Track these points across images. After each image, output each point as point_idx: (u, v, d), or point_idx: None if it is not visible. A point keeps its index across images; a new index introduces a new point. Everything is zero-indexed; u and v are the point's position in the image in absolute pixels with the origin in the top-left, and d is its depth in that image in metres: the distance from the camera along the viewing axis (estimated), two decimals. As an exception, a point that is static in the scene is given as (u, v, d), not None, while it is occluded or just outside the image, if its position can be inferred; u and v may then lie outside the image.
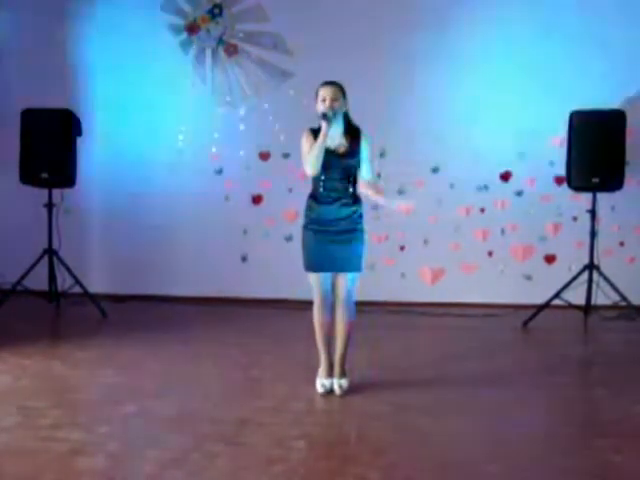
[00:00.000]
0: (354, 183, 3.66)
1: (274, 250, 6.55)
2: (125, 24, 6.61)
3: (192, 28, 6.70)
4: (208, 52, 6.70)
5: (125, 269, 6.71)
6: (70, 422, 3.16)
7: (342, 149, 3.63)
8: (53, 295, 5.97)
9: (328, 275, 3.68)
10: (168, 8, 6.66)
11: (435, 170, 6.48)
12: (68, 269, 5.86)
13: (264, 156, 6.65)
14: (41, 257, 5.89)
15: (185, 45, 6.71)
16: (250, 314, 6.16)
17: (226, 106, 6.69)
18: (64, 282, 5.95)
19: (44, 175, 5.78)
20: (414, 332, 5.52)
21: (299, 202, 6.62)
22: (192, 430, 3.09)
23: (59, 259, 5.90)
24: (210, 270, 6.62)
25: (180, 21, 6.69)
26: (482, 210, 6.45)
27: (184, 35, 6.70)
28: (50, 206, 5.90)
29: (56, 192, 5.96)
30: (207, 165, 6.68)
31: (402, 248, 6.51)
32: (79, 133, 5.99)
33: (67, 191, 6.03)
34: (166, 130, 6.72)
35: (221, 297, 6.55)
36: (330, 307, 3.73)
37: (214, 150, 6.70)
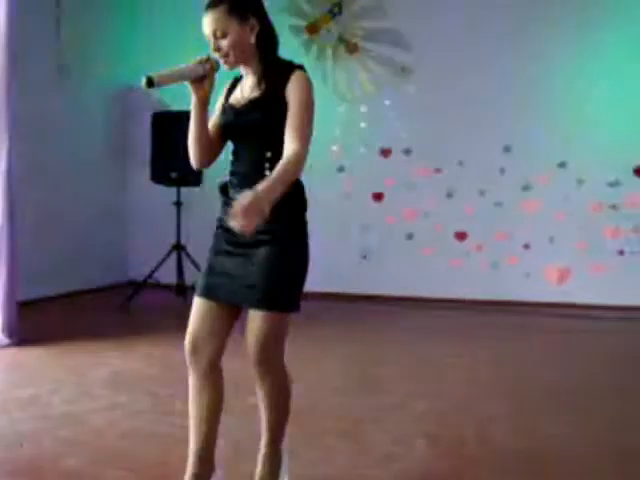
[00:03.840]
0: (273, 156, 2.04)
1: (395, 248, 6.53)
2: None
3: (313, 28, 6.79)
4: (329, 51, 6.77)
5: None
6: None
7: (248, 102, 2.11)
8: (180, 288, 6.24)
9: (215, 307, 2.12)
10: (289, 10, 6.79)
11: (562, 165, 6.21)
12: (195, 264, 6.10)
13: (385, 153, 6.63)
14: (170, 252, 6.19)
15: (306, 46, 6.81)
16: (370, 311, 6.17)
17: (347, 104, 6.73)
18: (191, 276, 6.20)
19: (173, 174, 6.07)
20: (545, 335, 5.30)
21: (421, 199, 6.67)
22: (313, 424, 3.13)
23: (187, 254, 6.16)
24: (330, 267, 6.68)
25: (301, 22, 6.80)
26: (613, 207, 6.10)
27: (305, 36, 6.81)
28: (179, 204, 6.18)
29: (184, 190, 6.24)
30: (328, 163, 6.74)
31: (526, 246, 6.29)
32: (206, 134, 6.23)
33: (194, 189, 6.29)
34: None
35: (341, 294, 6.60)
36: (208, 370, 2.14)
37: (335, 148, 6.76)
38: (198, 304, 2.14)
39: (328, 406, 3.44)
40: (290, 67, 2.10)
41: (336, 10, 6.71)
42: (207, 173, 6.24)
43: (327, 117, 6.76)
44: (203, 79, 2.09)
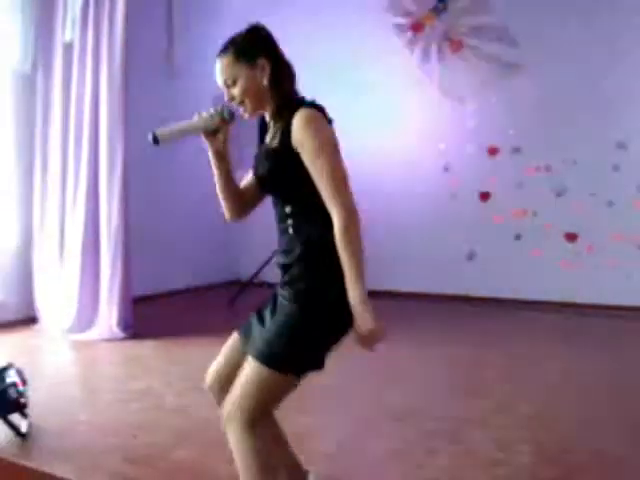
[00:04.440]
0: (294, 211, 1.90)
1: (502, 249, 6.37)
2: (349, 27, 6.81)
3: (417, 26, 6.74)
4: (433, 49, 6.69)
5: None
6: (297, 407, 3.35)
7: (264, 151, 1.99)
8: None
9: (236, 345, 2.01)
10: (393, 8, 6.76)
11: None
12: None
13: (492, 151, 6.49)
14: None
15: (410, 44, 6.76)
16: (475, 313, 6.05)
17: (452, 102, 6.63)
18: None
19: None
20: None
21: (529, 199, 6.47)
22: (416, 425, 3.11)
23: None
24: (434, 268, 6.61)
25: (405, 20, 6.76)
26: None
27: (409, 34, 6.76)
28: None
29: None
30: (433, 162, 6.67)
31: (642, 248, 5.97)
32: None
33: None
34: (390, 129, 6.81)
35: (445, 295, 6.52)
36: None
37: (441, 147, 6.67)
38: (231, 338, 2.04)
39: (430, 407, 3.40)
40: (295, 108, 1.85)
41: (441, 7, 6.62)
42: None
43: (432, 116, 6.70)
44: (216, 132, 1.95)
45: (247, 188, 2.06)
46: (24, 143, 5.32)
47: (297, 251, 1.86)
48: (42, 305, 5.31)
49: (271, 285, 1.83)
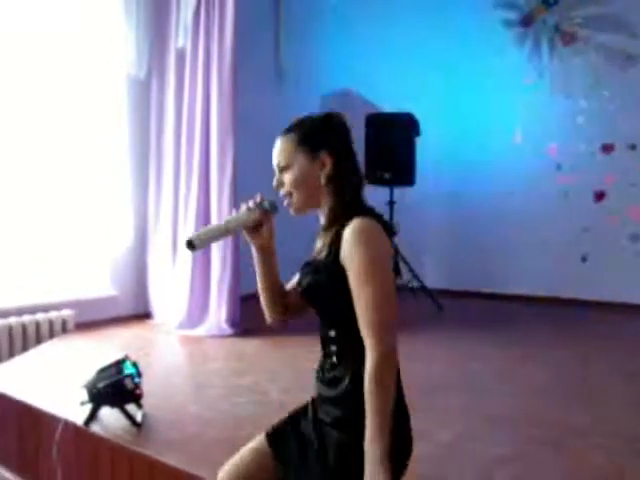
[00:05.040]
0: (339, 337, 1.62)
1: (617, 250, 6.08)
2: (457, 23, 6.70)
3: (527, 20, 6.54)
4: (544, 43, 6.47)
5: (460, 265, 6.84)
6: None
7: (312, 260, 1.73)
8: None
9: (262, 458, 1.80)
10: (501, 3, 6.60)
11: None
12: (406, 263, 6.15)
13: (607, 149, 6.20)
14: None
15: (520, 39, 6.57)
16: (588, 317, 5.80)
17: (565, 98, 6.39)
18: (403, 275, 6.25)
19: (387, 175, 6.14)
20: None
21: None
22: (520, 431, 3.02)
23: (398, 253, 6.23)
24: (547, 270, 6.40)
25: (514, 15, 6.58)
26: None
27: (519, 29, 6.57)
28: (392, 204, 6.24)
29: (397, 190, 6.30)
30: (545, 161, 6.46)
31: None
32: (418, 133, 6.25)
33: (406, 189, 6.33)
34: (500, 127, 6.66)
35: (557, 298, 6.29)
36: None
37: (552, 145, 6.45)
38: (257, 441, 1.83)
39: (538, 413, 3.29)
40: (349, 217, 1.57)
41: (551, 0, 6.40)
42: (419, 173, 6.30)
43: (543, 113, 6.49)
44: (259, 226, 1.75)
45: (293, 291, 1.82)
46: (139, 147, 5.58)
47: (343, 386, 1.55)
48: (155, 301, 5.55)
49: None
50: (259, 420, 3.08)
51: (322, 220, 1.70)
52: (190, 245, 1.65)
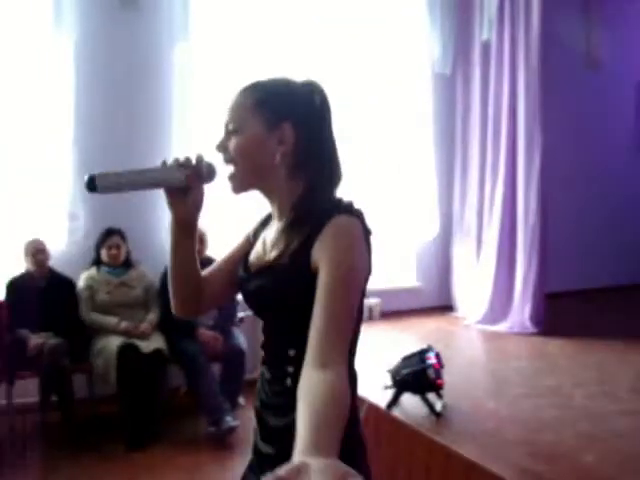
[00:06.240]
0: (299, 356, 1.18)
1: None
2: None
3: None
4: None
5: None
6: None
7: (265, 262, 1.34)
8: None
9: None
10: None
11: None
12: None
13: None
14: None
15: None
16: None
17: None
18: None
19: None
20: None
21: None
22: None
23: None
24: None
25: None
26: None
27: None
28: None
29: None
30: None
31: None
32: None
33: None
34: None
35: None
36: None
37: None
38: None
39: None
40: (329, 212, 1.24)
41: None
42: None
43: None
44: (185, 191, 1.33)
45: (212, 279, 1.46)
46: (444, 142, 5.67)
47: (294, 415, 1.04)
48: (458, 295, 5.62)
49: None
50: (562, 426, 2.97)
51: (273, 210, 1.38)
52: (91, 184, 1.24)
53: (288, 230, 1.29)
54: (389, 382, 3.13)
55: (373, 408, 3.14)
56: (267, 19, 4.80)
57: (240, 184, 1.34)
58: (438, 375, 3.06)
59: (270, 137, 1.30)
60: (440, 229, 5.69)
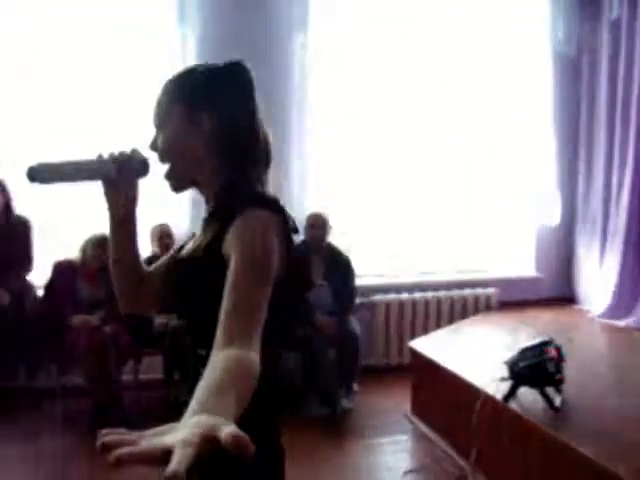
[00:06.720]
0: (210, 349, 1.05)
1: None
2: None
3: None
4: None
5: None
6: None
7: (186, 253, 1.34)
8: None
9: None
10: None
11: None
12: None
13: None
14: None
15: None
16: None
17: None
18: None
19: None
20: None
21: None
22: None
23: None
24: None
25: None
26: None
27: None
28: None
29: None
30: None
31: None
32: None
33: None
34: None
35: None
36: None
37: None
38: None
39: None
40: (242, 206, 1.20)
41: None
42: None
43: None
44: (117, 183, 1.29)
45: (155, 276, 1.42)
46: (568, 126, 5.41)
47: None
48: (580, 286, 5.41)
49: None
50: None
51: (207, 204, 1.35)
52: (30, 174, 1.20)
53: (205, 224, 1.28)
54: (506, 374, 3.07)
55: (490, 400, 3.10)
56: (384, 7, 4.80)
57: (176, 182, 1.32)
58: (558, 369, 2.96)
59: (190, 130, 1.27)
60: (562, 217, 5.49)
